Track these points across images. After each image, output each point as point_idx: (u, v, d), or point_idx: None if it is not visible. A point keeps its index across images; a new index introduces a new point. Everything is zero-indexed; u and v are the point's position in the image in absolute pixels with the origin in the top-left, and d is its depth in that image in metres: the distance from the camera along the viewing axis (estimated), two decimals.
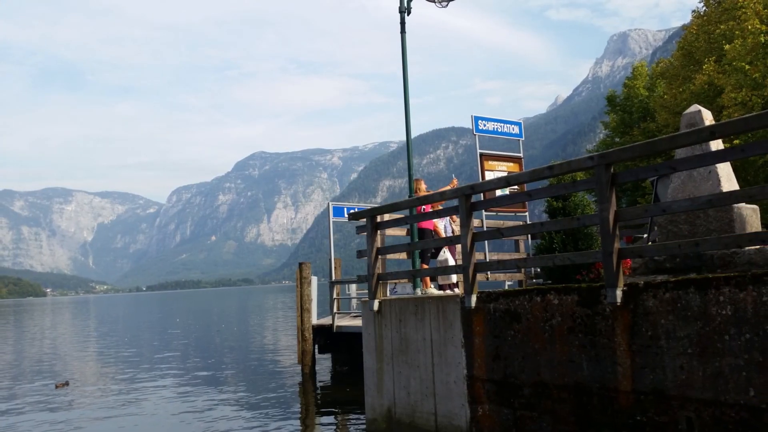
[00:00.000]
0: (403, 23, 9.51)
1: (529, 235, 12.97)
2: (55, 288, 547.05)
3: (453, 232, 10.72)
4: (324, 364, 15.53)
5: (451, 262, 9.99)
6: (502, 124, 12.92)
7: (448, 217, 10.62)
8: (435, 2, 9.36)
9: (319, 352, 14.77)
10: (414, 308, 7.18)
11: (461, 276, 7.16)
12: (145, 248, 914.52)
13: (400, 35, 9.50)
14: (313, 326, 14.20)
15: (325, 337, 14.45)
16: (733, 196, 4.98)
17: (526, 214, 13.38)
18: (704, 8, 23.35)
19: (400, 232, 11.99)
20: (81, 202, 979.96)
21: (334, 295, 14.16)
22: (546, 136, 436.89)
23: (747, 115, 4.56)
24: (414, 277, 8.82)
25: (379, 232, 8.01)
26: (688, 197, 5.82)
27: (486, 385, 6.21)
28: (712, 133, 4.91)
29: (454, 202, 6.90)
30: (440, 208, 8.25)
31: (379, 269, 7.93)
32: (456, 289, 10.05)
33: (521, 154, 13.23)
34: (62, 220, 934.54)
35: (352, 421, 9.94)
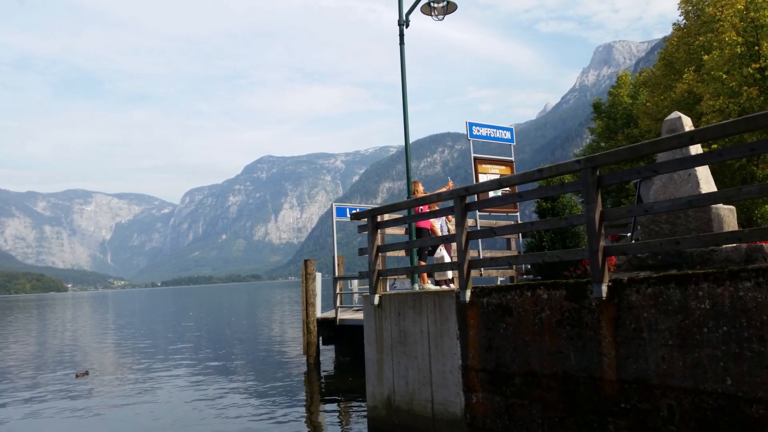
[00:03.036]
0: (402, 35, 9.50)
1: (520, 234, 12.99)
2: (76, 283, 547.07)
3: (449, 231, 10.71)
4: (328, 355, 15.52)
5: (447, 260, 9.99)
6: (495, 130, 12.93)
7: (444, 217, 10.61)
8: (432, 15, 9.34)
9: (323, 344, 14.76)
10: (412, 302, 7.17)
11: (456, 272, 7.16)
12: (160, 246, 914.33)
13: (399, 46, 9.48)
14: (317, 319, 14.19)
15: (329, 330, 14.44)
16: (711, 197, 4.98)
17: (517, 214, 13.39)
18: (684, 21, 23.35)
19: (399, 231, 11.98)
20: (100, 202, 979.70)
21: (337, 290, 14.15)
22: (536, 141, 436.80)
23: (724, 122, 4.56)
24: (412, 273, 8.81)
25: (379, 231, 8.00)
26: (669, 198, 5.81)
27: (480, 374, 6.21)
28: (691, 138, 4.92)
29: (450, 203, 6.90)
30: (437, 208, 8.24)
31: (379, 266, 7.92)
32: (451, 285, 10.05)
33: (513, 158, 13.23)
34: (82, 220, 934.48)
35: (354, 408, 9.93)
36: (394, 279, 13.43)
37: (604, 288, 5.06)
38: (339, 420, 9.37)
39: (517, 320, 5.85)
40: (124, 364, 16.74)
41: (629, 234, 8.75)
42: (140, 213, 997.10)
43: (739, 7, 17.61)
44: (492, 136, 12.82)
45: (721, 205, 6.22)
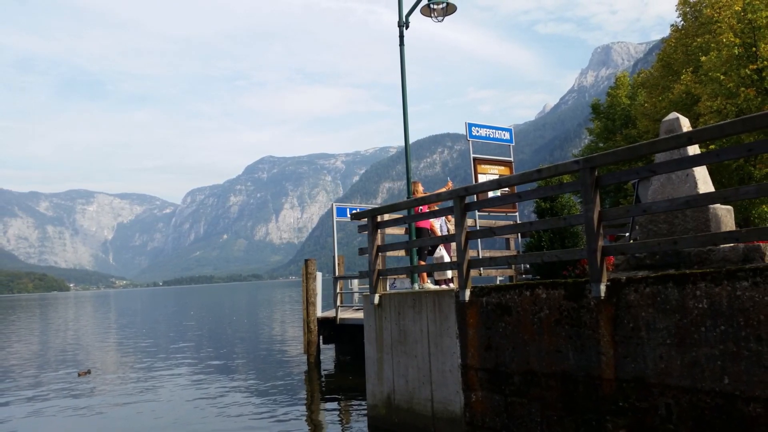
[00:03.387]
0: (401, 36, 9.50)
1: (519, 234, 12.97)
2: (78, 283, 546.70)
3: (448, 230, 10.71)
4: (328, 354, 15.52)
5: (447, 259, 9.99)
6: (494, 131, 12.92)
7: (443, 217, 10.61)
8: (432, 17, 9.34)
9: (324, 343, 14.76)
10: (412, 302, 7.17)
11: (456, 272, 7.15)
12: (161, 246, 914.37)
13: (399, 48, 9.48)
14: (318, 319, 14.19)
15: (329, 329, 14.45)
16: (708, 198, 4.98)
17: (516, 214, 13.38)
18: (682, 22, 23.35)
19: (399, 231, 11.98)
20: (102, 203, 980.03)
21: (338, 290, 14.15)
22: (535, 141, 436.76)
23: (722, 122, 4.56)
24: (412, 272, 8.81)
25: (379, 231, 8.00)
26: (667, 198, 5.81)
27: (479, 373, 6.21)
28: (689, 139, 4.92)
29: (450, 203, 6.90)
30: (436, 208, 8.24)
31: (379, 265, 7.92)
32: (451, 284, 10.05)
33: (512, 159, 13.22)
34: (84, 220, 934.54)
35: (354, 407, 9.93)
36: (394, 278, 13.43)
37: (603, 287, 5.06)
38: (339, 419, 9.37)
39: (516, 319, 5.85)
40: (125, 363, 16.74)
41: (627, 234, 8.75)
42: (142, 213, 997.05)
43: (737, 8, 17.61)
44: (491, 136, 12.81)
45: (718, 205, 6.22)
